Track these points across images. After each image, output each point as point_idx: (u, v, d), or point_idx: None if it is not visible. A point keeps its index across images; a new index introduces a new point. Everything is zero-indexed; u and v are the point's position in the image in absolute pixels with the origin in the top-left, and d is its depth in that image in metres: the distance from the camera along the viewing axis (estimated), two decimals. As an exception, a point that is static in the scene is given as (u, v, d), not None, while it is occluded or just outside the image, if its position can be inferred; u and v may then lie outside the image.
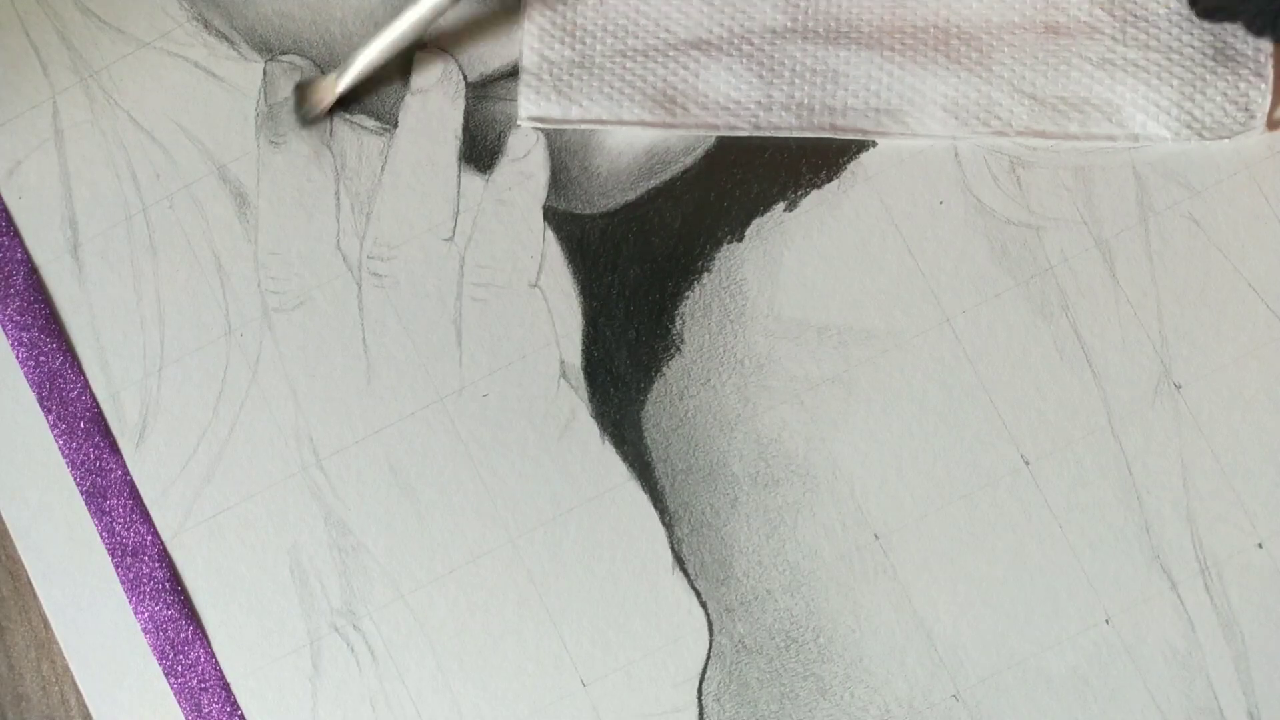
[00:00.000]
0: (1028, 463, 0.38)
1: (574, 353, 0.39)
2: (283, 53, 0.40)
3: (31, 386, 0.40)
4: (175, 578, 0.40)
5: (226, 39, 0.40)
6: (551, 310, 0.39)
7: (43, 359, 0.40)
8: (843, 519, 0.38)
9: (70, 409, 0.40)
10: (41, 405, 0.40)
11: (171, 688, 0.39)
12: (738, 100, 0.39)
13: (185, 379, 0.40)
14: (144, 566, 0.40)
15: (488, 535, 0.39)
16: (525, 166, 0.40)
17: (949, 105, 0.39)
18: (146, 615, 0.40)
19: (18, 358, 0.40)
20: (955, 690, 0.38)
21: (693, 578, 0.39)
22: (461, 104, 0.40)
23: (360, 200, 0.40)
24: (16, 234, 0.41)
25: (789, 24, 0.39)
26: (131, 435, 0.40)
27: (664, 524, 0.39)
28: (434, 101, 0.40)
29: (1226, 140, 0.38)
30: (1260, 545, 0.37)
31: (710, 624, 0.38)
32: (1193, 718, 0.37)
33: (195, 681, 0.39)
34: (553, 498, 0.39)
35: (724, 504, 0.39)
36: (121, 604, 0.40)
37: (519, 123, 0.39)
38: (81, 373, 0.40)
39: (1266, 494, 0.37)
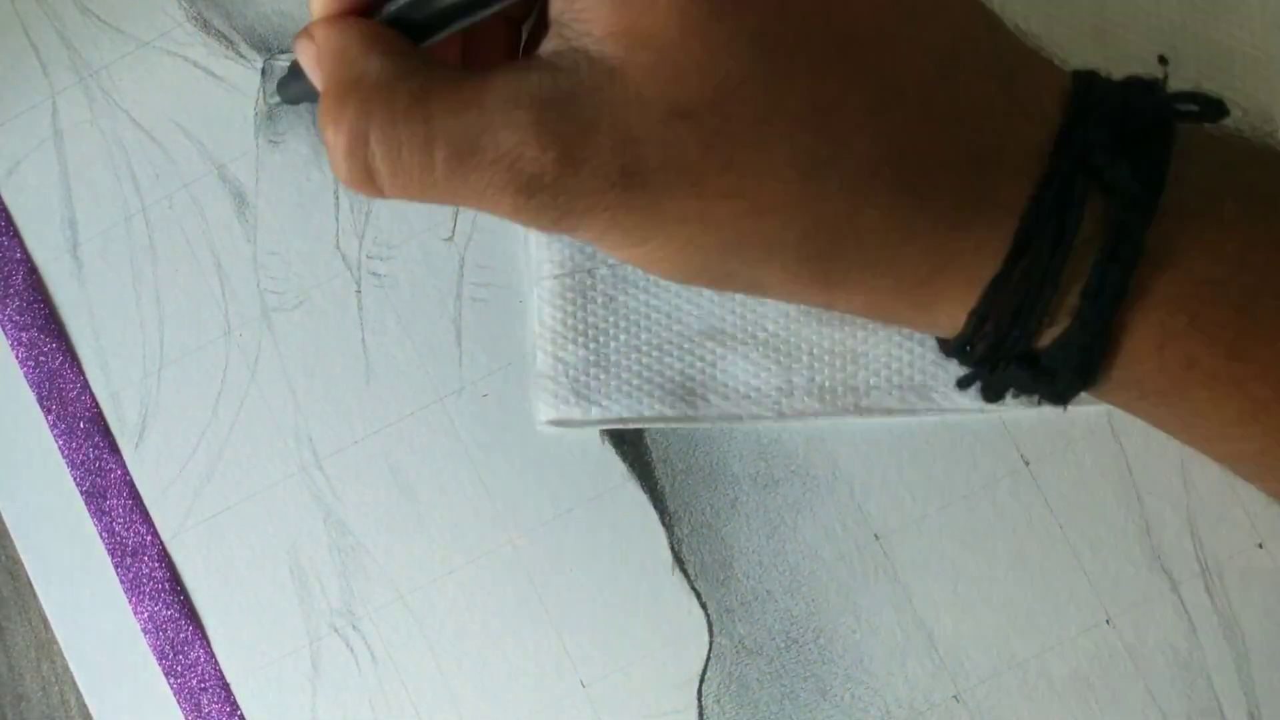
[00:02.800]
0: (1028, 463, 0.38)
1: (574, 353, 0.39)
2: (282, 52, 0.40)
3: (31, 386, 0.40)
4: (175, 578, 0.40)
5: (226, 39, 0.40)
6: (551, 310, 0.39)
7: (42, 359, 0.40)
8: (843, 519, 0.38)
9: (70, 409, 0.40)
10: (41, 405, 0.40)
11: (171, 688, 0.39)
12: (758, 388, 0.38)
13: (185, 379, 0.40)
14: (144, 566, 0.40)
15: (487, 535, 0.39)
16: None
17: None
18: (146, 615, 0.40)
19: (17, 358, 0.40)
20: (956, 691, 0.38)
21: (693, 578, 0.39)
22: (461, 104, 0.40)
23: (359, 200, 0.40)
24: (16, 234, 0.40)
25: (802, 307, 0.38)
26: (131, 435, 0.40)
27: (664, 524, 0.39)
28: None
29: None
30: (1260, 545, 0.37)
31: (710, 625, 0.38)
32: (1193, 718, 0.37)
33: (195, 681, 0.39)
34: (552, 498, 0.39)
35: (724, 504, 0.39)
36: (121, 604, 0.40)
37: (538, 427, 0.39)
38: (81, 373, 0.40)
39: (1266, 494, 0.37)
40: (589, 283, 0.38)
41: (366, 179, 0.29)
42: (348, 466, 0.39)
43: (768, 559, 0.38)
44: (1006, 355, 0.29)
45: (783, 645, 0.38)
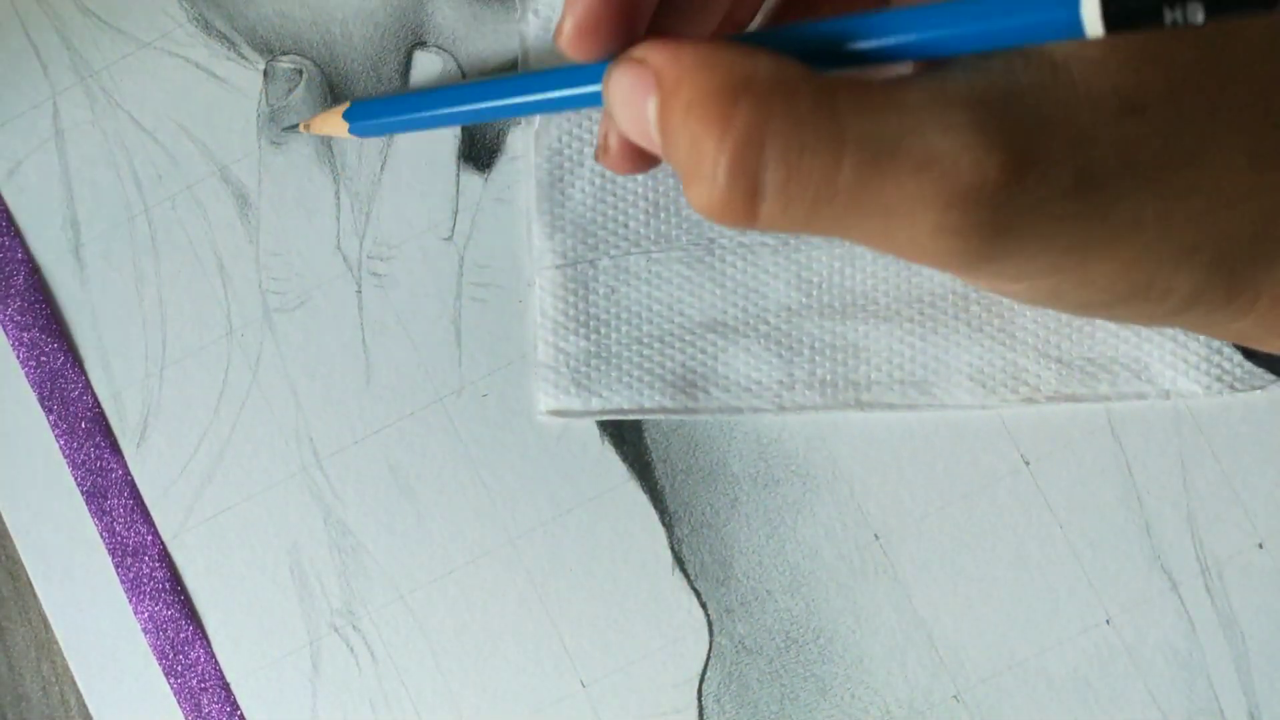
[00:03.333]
0: (1028, 463, 0.38)
1: (574, 353, 0.39)
2: (284, 53, 0.40)
3: (32, 386, 0.40)
4: (175, 578, 0.40)
5: (227, 40, 0.41)
6: (551, 310, 0.39)
7: (44, 359, 0.40)
8: (843, 519, 0.38)
9: (71, 409, 0.40)
10: (42, 405, 0.40)
11: (171, 688, 0.39)
12: (759, 380, 0.38)
13: (186, 379, 0.40)
14: (144, 566, 0.40)
15: (487, 535, 0.39)
16: (525, 165, 0.40)
17: (975, 374, 0.38)
18: (146, 615, 0.40)
19: (18, 358, 0.40)
20: (956, 691, 0.38)
21: (693, 578, 0.39)
22: (462, 104, 0.40)
23: (360, 200, 0.40)
24: (18, 234, 0.41)
25: (804, 300, 0.38)
26: (132, 435, 0.40)
27: (664, 524, 0.39)
28: (434, 102, 0.40)
29: (1260, 391, 0.37)
30: (1260, 545, 0.37)
31: (710, 624, 0.38)
32: (1193, 718, 0.37)
33: (195, 681, 0.39)
34: (552, 498, 0.39)
35: (724, 504, 0.39)
36: (121, 604, 0.40)
37: (538, 416, 0.39)
38: (83, 373, 0.40)
39: (1266, 494, 0.37)
40: (591, 274, 0.39)
41: (748, 195, 0.24)
42: (348, 466, 0.39)
43: (768, 559, 0.38)
44: None
45: (783, 645, 0.38)
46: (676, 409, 0.38)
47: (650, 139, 0.26)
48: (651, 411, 0.38)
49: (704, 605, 0.38)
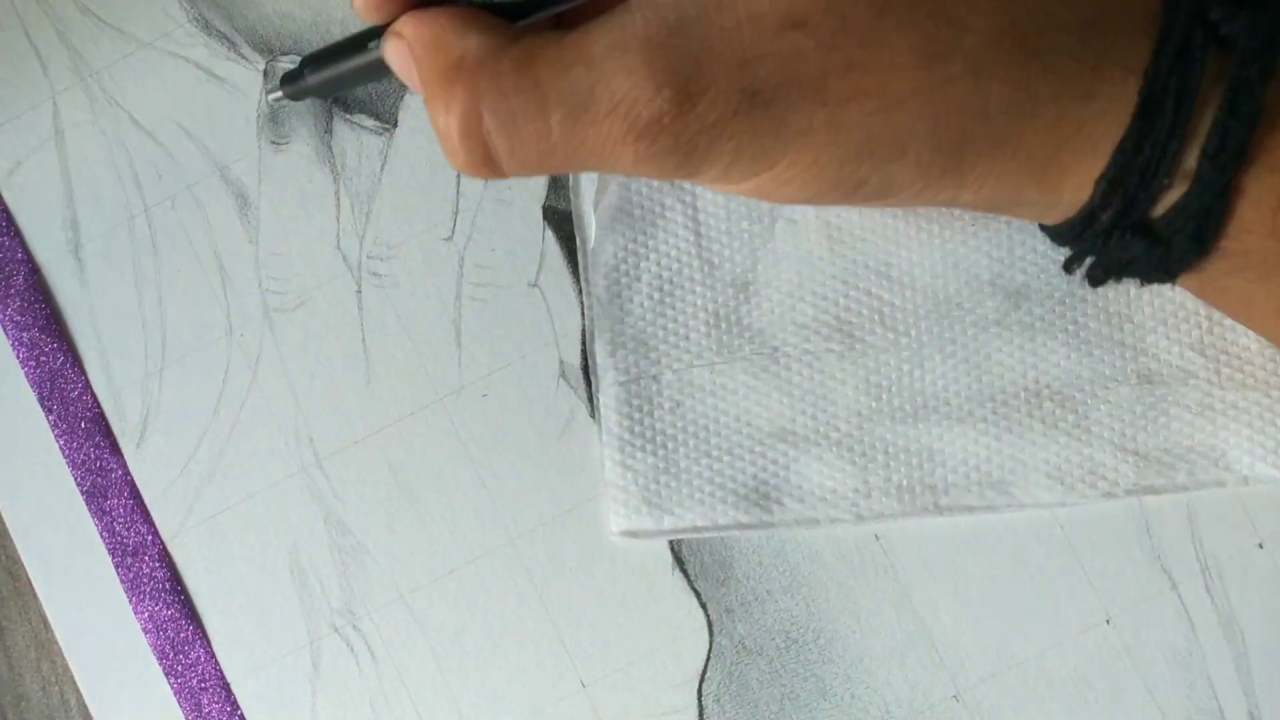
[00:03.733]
0: (1028, 463, 0.38)
1: (574, 353, 0.39)
2: (284, 53, 0.40)
3: (32, 386, 0.40)
4: (175, 578, 0.40)
5: (227, 40, 0.40)
6: (551, 310, 0.39)
7: (43, 359, 0.40)
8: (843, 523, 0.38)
9: (71, 409, 0.40)
10: (42, 405, 0.40)
11: (171, 687, 0.39)
12: (834, 489, 0.38)
13: (186, 379, 0.40)
14: (144, 566, 0.40)
15: (487, 535, 0.39)
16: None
17: (1053, 472, 0.37)
18: (146, 615, 0.40)
19: (18, 358, 0.40)
20: (956, 691, 0.38)
21: (693, 578, 0.39)
22: (462, 104, 0.40)
23: (360, 200, 0.40)
24: (18, 234, 0.41)
25: (874, 405, 0.38)
26: (132, 435, 0.40)
27: (664, 524, 0.39)
28: (434, 102, 0.40)
29: None
30: (1260, 545, 0.37)
31: (710, 625, 0.38)
32: (1193, 718, 0.37)
33: (195, 681, 0.39)
34: (552, 498, 0.39)
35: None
36: (121, 604, 0.40)
37: (611, 537, 0.39)
38: (82, 373, 0.40)
39: (1266, 494, 0.37)
40: (654, 388, 0.38)
41: (485, 159, 0.28)
42: (348, 466, 0.39)
43: (768, 559, 0.38)
44: (1127, 224, 0.29)
45: (783, 645, 0.38)
46: (752, 524, 0.38)
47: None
48: (726, 528, 0.38)
49: (704, 605, 0.38)
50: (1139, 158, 0.28)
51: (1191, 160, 0.28)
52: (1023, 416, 0.37)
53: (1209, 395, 0.37)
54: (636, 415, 0.38)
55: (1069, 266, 0.32)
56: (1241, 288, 0.30)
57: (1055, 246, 0.36)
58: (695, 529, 0.38)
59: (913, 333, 0.38)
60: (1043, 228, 0.32)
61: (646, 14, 0.27)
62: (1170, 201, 0.28)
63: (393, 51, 0.29)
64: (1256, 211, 0.28)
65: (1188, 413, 0.37)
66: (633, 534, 0.38)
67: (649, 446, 0.38)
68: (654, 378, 0.38)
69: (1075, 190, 0.29)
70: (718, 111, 0.27)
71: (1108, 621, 0.38)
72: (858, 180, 0.29)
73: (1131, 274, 0.31)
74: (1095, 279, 0.31)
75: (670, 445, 0.38)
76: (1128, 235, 0.29)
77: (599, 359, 0.38)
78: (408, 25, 0.29)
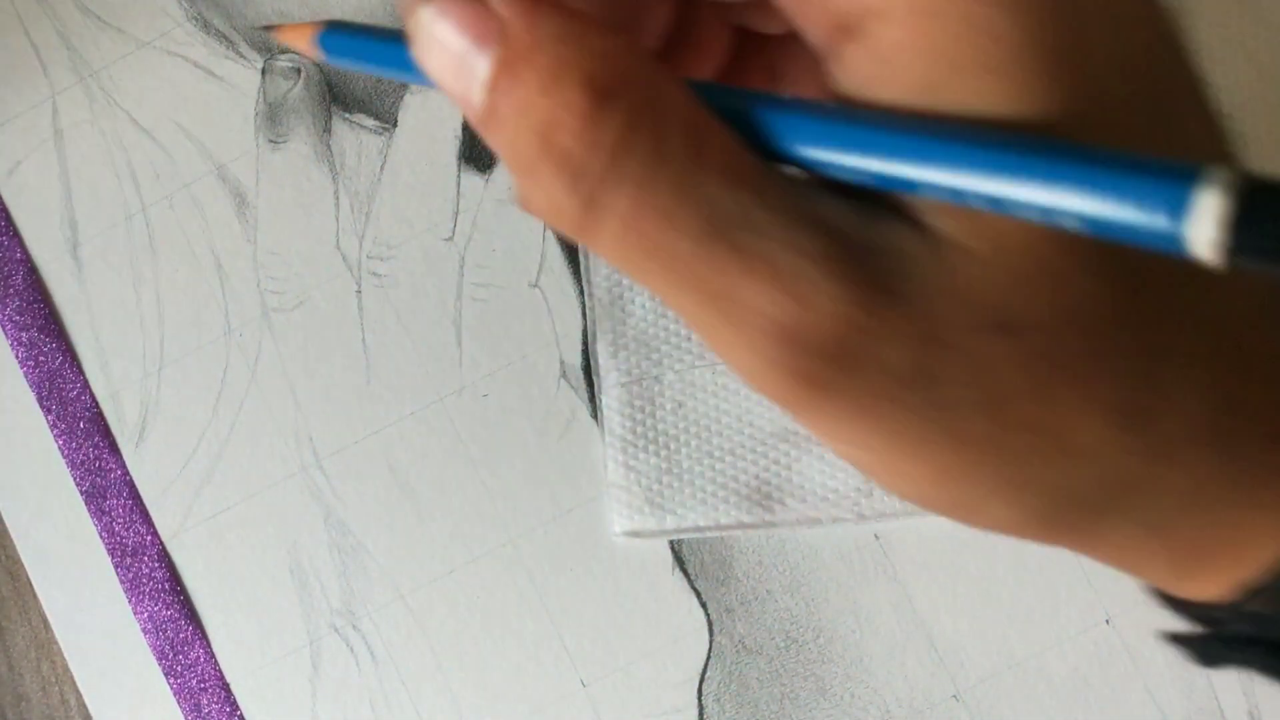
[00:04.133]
0: (1028, 463, 0.38)
1: (574, 353, 0.39)
2: (282, 52, 0.40)
3: (31, 386, 0.40)
4: (175, 578, 0.40)
5: (226, 39, 0.40)
6: (551, 310, 0.39)
7: (42, 359, 0.40)
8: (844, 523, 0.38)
9: (70, 409, 0.40)
10: (41, 405, 0.40)
11: (171, 688, 0.39)
12: (836, 489, 0.38)
13: (185, 379, 0.40)
14: (144, 566, 0.40)
15: (488, 535, 0.39)
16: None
17: None
18: (146, 615, 0.40)
19: (17, 357, 0.40)
20: (955, 690, 0.38)
21: (693, 578, 0.39)
22: (461, 104, 0.40)
23: (359, 200, 0.40)
24: (16, 234, 0.40)
25: None
26: (131, 435, 0.40)
27: (664, 524, 0.39)
28: (433, 101, 0.40)
29: None
30: (1260, 545, 0.37)
31: (710, 624, 0.38)
32: (1193, 718, 0.37)
33: (195, 681, 0.39)
34: (553, 498, 0.39)
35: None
36: (121, 604, 0.40)
37: (613, 537, 0.38)
38: (81, 372, 0.40)
39: (1267, 494, 0.37)
40: (656, 389, 0.38)
41: (590, 211, 0.20)
42: (348, 466, 0.39)
43: (768, 558, 0.38)
44: (1262, 638, 0.25)
45: (783, 644, 0.38)
46: (754, 523, 0.38)
47: (468, 101, 0.21)
48: (729, 528, 0.38)
49: (704, 605, 0.39)
50: None
51: None
52: None
53: None
54: (639, 416, 0.38)
55: (1176, 641, 0.27)
56: None
57: None
58: (698, 529, 0.38)
59: None
60: (1158, 595, 0.27)
61: (844, 207, 0.21)
62: None
63: (454, 16, 0.21)
64: None
65: None
66: (635, 534, 0.38)
67: (651, 447, 0.38)
68: (656, 378, 0.38)
69: (1207, 585, 0.25)
70: (880, 365, 0.21)
71: (1107, 621, 0.38)
72: (979, 510, 0.23)
73: (1254, 671, 0.27)
74: (1204, 663, 0.27)
75: (672, 446, 0.38)
76: (1259, 649, 0.25)
77: (601, 360, 0.38)
78: (505, 1, 0.21)
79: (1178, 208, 0.16)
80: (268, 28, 0.30)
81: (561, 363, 0.39)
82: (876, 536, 0.38)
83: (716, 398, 0.38)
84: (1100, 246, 0.20)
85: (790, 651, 0.38)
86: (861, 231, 0.21)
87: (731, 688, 0.38)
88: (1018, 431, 0.22)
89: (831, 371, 0.21)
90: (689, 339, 0.38)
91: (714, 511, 0.38)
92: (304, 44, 0.26)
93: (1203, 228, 0.16)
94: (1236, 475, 0.23)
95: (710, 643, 0.38)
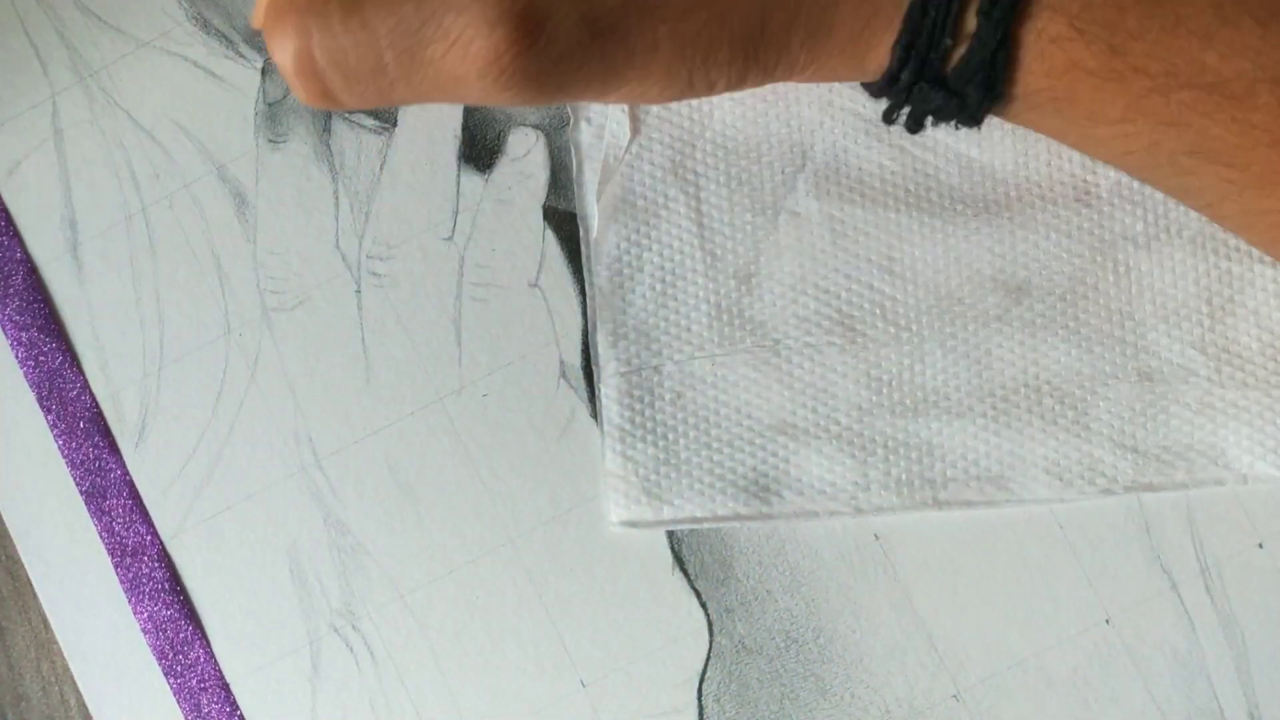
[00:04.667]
0: (1028, 463, 0.38)
1: (574, 353, 0.39)
2: (282, 52, 0.40)
3: (31, 386, 0.40)
4: (175, 578, 0.40)
5: (226, 38, 0.40)
6: (551, 310, 0.39)
7: (42, 359, 0.40)
8: (842, 519, 0.38)
9: (70, 409, 0.40)
10: (41, 405, 0.40)
11: (171, 688, 0.39)
12: (833, 483, 0.38)
13: (185, 379, 0.40)
14: (144, 566, 0.40)
15: (487, 535, 0.39)
16: (525, 166, 0.40)
17: (1052, 468, 0.37)
18: (146, 615, 0.39)
19: (17, 357, 0.40)
20: (955, 690, 0.38)
21: (693, 578, 0.39)
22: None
23: (359, 199, 0.40)
24: (16, 234, 0.40)
25: (875, 399, 0.38)
26: (131, 435, 0.40)
27: (664, 524, 0.39)
28: (433, 101, 0.40)
29: None
30: (1260, 545, 0.37)
31: (710, 624, 0.38)
32: (1193, 718, 0.37)
33: (195, 681, 0.39)
34: (552, 498, 0.39)
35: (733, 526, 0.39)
36: (121, 604, 0.40)
37: (611, 527, 0.39)
38: (81, 372, 0.40)
39: (1266, 494, 0.37)
40: (656, 380, 0.38)
41: (323, 94, 0.29)
42: (348, 466, 0.39)
43: (767, 558, 0.38)
44: (926, 77, 0.32)
45: (782, 645, 0.38)
46: (751, 515, 0.38)
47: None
48: (725, 519, 0.38)
49: (704, 605, 0.38)
50: (925, 21, 0.31)
51: (972, 21, 0.31)
52: (1022, 412, 0.37)
53: (1209, 394, 0.37)
54: (637, 406, 0.38)
55: (886, 117, 0.34)
56: (1044, 123, 0.34)
57: (1056, 243, 0.38)
58: (694, 520, 0.38)
59: (914, 327, 0.38)
60: (865, 88, 0.34)
61: None
62: (959, 57, 0.32)
63: None
64: (1032, 55, 0.31)
65: (1187, 410, 0.37)
66: (632, 524, 0.38)
67: (649, 437, 0.38)
68: (655, 369, 0.38)
69: (878, 61, 0.32)
70: (561, 44, 0.28)
71: (1107, 621, 0.38)
72: (708, 82, 0.31)
73: (942, 119, 0.33)
74: (910, 127, 0.34)
75: (670, 436, 0.38)
76: (926, 89, 0.32)
77: (601, 350, 0.38)
78: None
79: None
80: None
81: (561, 362, 0.39)
82: (876, 536, 0.38)
83: (715, 389, 0.38)
84: None
85: (790, 651, 0.38)
86: None
87: (731, 688, 0.38)
88: (683, 18, 0.29)
89: (532, 71, 0.28)
90: (689, 329, 0.38)
91: (711, 503, 0.38)
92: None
93: None
94: None
95: (710, 643, 0.38)
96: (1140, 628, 0.37)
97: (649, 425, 0.38)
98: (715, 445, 0.38)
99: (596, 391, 0.39)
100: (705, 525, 0.38)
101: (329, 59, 0.28)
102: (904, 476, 0.38)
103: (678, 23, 0.29)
